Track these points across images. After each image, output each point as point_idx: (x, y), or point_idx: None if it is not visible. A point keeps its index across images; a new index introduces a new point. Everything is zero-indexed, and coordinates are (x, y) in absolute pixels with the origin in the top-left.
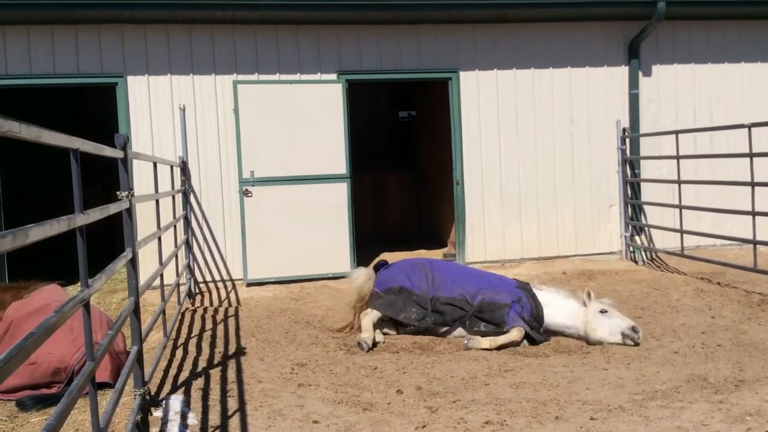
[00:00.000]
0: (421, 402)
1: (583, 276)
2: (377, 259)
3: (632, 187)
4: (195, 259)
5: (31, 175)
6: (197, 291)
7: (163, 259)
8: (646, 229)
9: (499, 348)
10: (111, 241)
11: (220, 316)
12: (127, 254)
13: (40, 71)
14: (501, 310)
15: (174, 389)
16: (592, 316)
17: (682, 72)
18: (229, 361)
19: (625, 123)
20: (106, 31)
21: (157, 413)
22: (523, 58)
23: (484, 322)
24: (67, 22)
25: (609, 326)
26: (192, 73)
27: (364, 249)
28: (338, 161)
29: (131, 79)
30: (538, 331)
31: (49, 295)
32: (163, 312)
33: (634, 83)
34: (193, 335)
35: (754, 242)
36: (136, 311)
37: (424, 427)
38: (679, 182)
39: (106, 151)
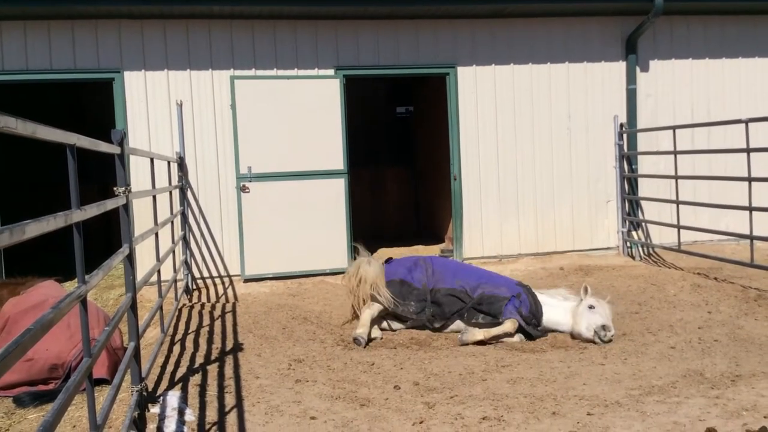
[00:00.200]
0: (418, 398)
1: (580, 271)
2: (375, 254)
3: (629, 182)
4: (192, 255)
5: (28, 171)
6: (194, 287)
7: (161, 255)
8: (644, 224)
9: (494, 339)
10: (108, 237)
11: (217, 312)
12: (124, 250)
13: (36, 66)
14: (499, 303)
15: (171, 385)
16: (581, 310)
17: (680, 67)
18: (226, 357)
19: (623, 118)
20: (102, 27)
21: (155, 409)
22: (521, 53)
23: (482, 314)
24: (64, 17)
25: (587, 322)
26: (189, 69)
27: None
28: (336, 157)
29: (128, 75)
30: (536, 328)
31: (46, 291)
32: (161, 308)
33: (631, 78)
34: (190, 331)
35: (751, 237)
36: (133, 307)
37: (421, 422)
38: (677, 178)
39: (103, 146)
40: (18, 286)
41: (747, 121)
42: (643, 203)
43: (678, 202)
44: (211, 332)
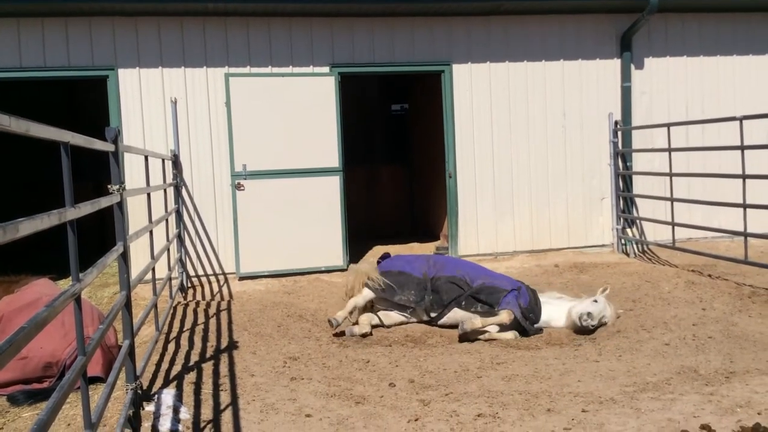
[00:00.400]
0: (413, 395)
1: (575, 269)
2: (370, 252)
3: (624, 179)
4: (187, 253)
5: (22, 170)
6: (189, 285)
7: (155, 253)
8: (638, 221)
9: (489, 327)
10: (102, 235)
11: (212, 310)
12: (119, 248)
13: (30, 64)
14: (499, 293)
15: (166, 383)
16: (579, 302)
17: (675, 65)
18: (221, 355)
19: (618, 116)
20: (96, 24)
21: (149, 407)
22: (516, 51)
23: (480, 303)
24: (58, 14)
25: (577, 309)
26: (183, 66)
27: (356, 242)
28: (331, 154)
29: (122, 72)
30: (532, 324)
31: (40, 290)
32: (155, 306)
33: (626, 76)
34: (185, 329)
35: (745, 234)
36: (127, 305)
37: (416, 420)
38: (671, 175)
39: (97, 144)
40: (12, 285)
41: (741, 119)
42: (638, 200)
43: (672, 200)
44: (206, 330)
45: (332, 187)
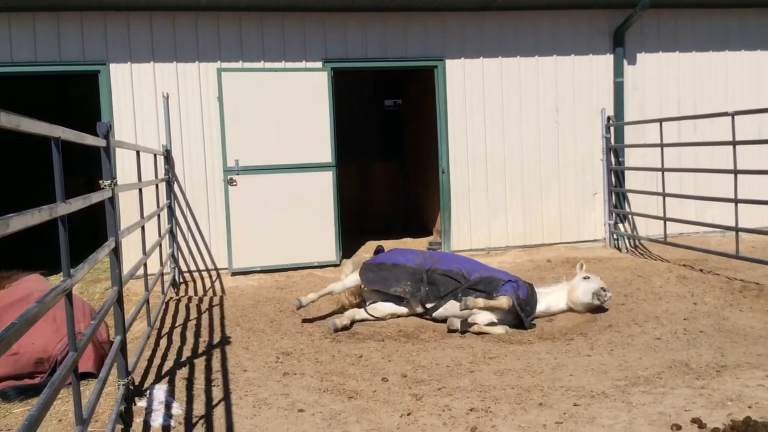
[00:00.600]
0: (406, 390)
1: (567, 263)
2: (363, 247)
3: (616, 175)
4: (179, 248)
5: (13, 165)
6: (181, 280)
7: (147, 249)
8: (630, 216)
9: (488, 309)
10: (94, 230)
11: (204, 306)
12: (110, 244)
13: (21, 59)
14: (497, 283)
15: (158, 379)
16: (576, 282)
17: (667, 60)
18: (213, 351)
19: (610, 111)
20: (88, 19)
21: (141, 403)
22: (509, 46)
23: (477, 292)
24: (49, 9)
25: (584, 288)
26: (175, 61)
27: (349, 238)
28: (324, 150)
29: (114, 67)
30: (527, 316)
31: (31, 285)
32: (147, 301)
33: (619, 71)
34: (177, 325)
35: (737, 229)
36: (119, 301)
37: (409, 414)
38: (663, 170)
39: (88, 139)
40: (3, 280)
41: (733, 114)
42: (630, 196)
43: (664, 195)
44: (198, 326)
45: (325, 183)
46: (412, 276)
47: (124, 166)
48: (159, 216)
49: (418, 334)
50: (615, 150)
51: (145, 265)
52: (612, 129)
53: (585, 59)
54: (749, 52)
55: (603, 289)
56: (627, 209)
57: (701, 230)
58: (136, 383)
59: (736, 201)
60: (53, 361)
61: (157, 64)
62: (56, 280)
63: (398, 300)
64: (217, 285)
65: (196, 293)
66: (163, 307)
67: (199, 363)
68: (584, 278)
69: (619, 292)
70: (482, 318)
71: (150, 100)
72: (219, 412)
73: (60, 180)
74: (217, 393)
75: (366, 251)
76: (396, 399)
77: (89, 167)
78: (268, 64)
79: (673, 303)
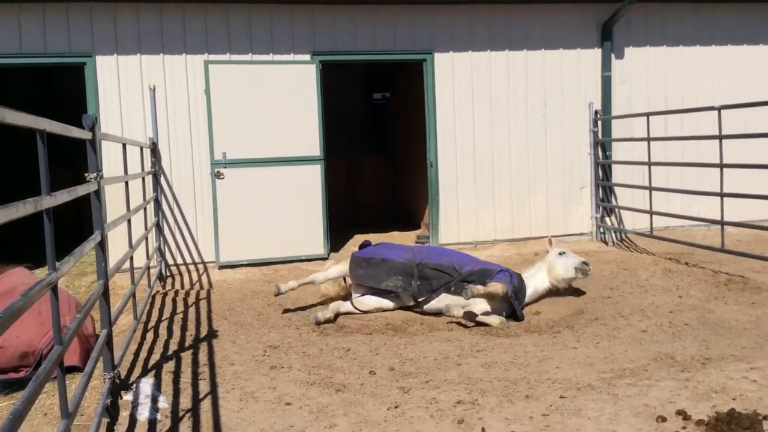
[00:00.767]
0: (393, 382)
1: None
2: (351, 241)
3: (603, 169)
4: (166, 241)
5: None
6: (168, 274)
7: (133, 242)
8: (617, 210)
9: (487, 295)
10: (80, 224)
11: (191, 299)
12: (96, 237)
13: (6, 50)
14: (490, 273)
15: (144, 372)
16: (552, 259)
17: (654, 54)
18: (200, 344)
19: (598, 105)
20: (74, 10)
21: (127, 396)
22: (498, 40)
23: (470, 284)
24: (35, 0)
25: (564, 265)
26: (162, 53)
27: (337, 231)
28: (312, 143)
29: (100, 59)
30: (521, 300)
31: (16, 279)
32: (133, 295)
33: (606, 65)
34: (163, 318)
35: (722, 223)
36: (105, 294)
37: (396, 407)
38: (650, 164)
39: (74, 132)
40: None
41: (719, 109)
42: (617, 189)
43: (651, 189)
44: (185, 319)
45: (313, 176)
46: (403, 271)
47: (110, 158)
48: (145, 209)
49: (406, 327)
50: (602, 144)
51: (132, 258)
52: (599, 123)
53: (573, 53)
54: (736, 47)
55: (584, 263)
56: (614, 203)
57: (687, 224)
58: (122, 377)
59: (722, 195)
60: (38, 354)
61: (144, 56)
62: (42, 273)
63: (385, 293)
64: (204, 278)
65: (182, 287)
66: (150, 300)
67: (186, 356)
68: (560, 254)
69: (605, 285)
70: (479, 308)
71: (136, 93)
72: (206, 406)
73: (45, 173)
74: (204, 386)
75: (354, 245)
76: (383, 392)
77: (76, 159)
78: (256, 57)
79: (659, 296)
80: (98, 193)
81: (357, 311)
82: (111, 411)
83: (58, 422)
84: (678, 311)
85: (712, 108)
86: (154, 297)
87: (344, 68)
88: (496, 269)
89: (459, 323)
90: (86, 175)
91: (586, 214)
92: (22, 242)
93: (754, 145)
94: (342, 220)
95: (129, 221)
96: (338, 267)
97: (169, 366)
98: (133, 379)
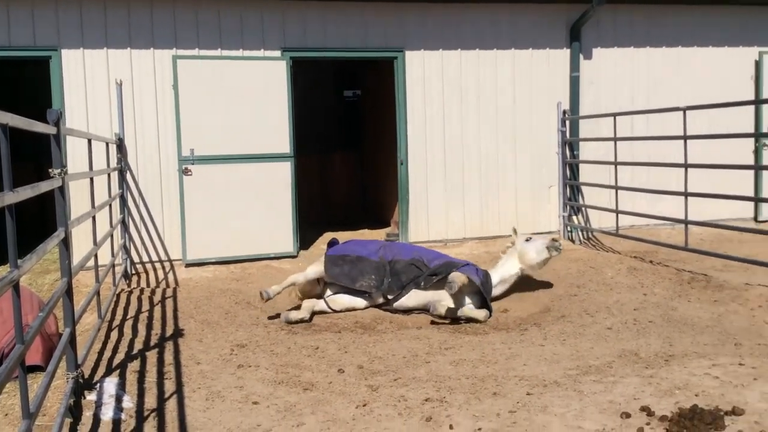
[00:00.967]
0: (362, 381)
1: None
2: (321, 239)
3: (571, 168)
4: (131, 239)
5: None
6: (134, 272)
7: (98, 239)
8: (584, 209)
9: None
10: (43, 220)
11: (157, 298)
12: (60, 234)
13: None
14: (455, 266)
15: (108, 372)
16: (521, 246)
17: (622, 55)
18: (166, 343)
19: (566, 105)
20: (39, 3)
21: (91, 396)
22: (468, 39)
23: (438, 276)
24: None
25: (535, 248)
26: (130, 48)
27: (307, 229)
28: (282, 140)
29: (66, 53)
30: (488, 293)
31: None
32: (98, 293)
33: (575, 66)
34: (128, 317)
35: (686, 222)
36: (68, 292)
37: (364, 405)
38: (616, 164)
39: (38, 126)
40: None
41: (684, 109)
42: (584, 188)
43: (617, 188)
44: (150, 318)
45: (283, 173)
46: (376, 269)
47: (75, 154)
48: (111, 206)
49: (375, 325)
50: (570, 143)
51: (96, 256)
52: (567, 123)
53: (542, 53)
54: (701, 49)
55: (554, 239)
56: (581, 202)
57: (652, 223)
58: (86, 376)
59: (686, 194)
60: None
61: (111, 50)
62: (3, 271)
63: (359, 292)
64: (170, 276)
65: (148, 285)
66: (115, 299)
67: (151, 356)
68: (527, 240)
69: (572, 283)
70: (449, 303)
71: (103, 88)
72: (171, 405)
73: (7, 168)
74: (170, 386)
75: (324, 242)
76: (352, 390)
77: (40, 154)
78: (226, 52)
79: (624, 294)
80: (62, 189)
81: (330, 310)
82: (74, 411)
83: (19, 422)
84: (642, 309)
85: (677, 109)
86: (119, 295)
87: (315, 65)
88: (462, 263)
89: (433, 322)
90: (50, 170)
91: (554, 212)
92: None
93: (718, 145)
94: (312, 218)
95: (94, 218)
96: (315, 267)
97: (134, 365)
98: (97, 378)
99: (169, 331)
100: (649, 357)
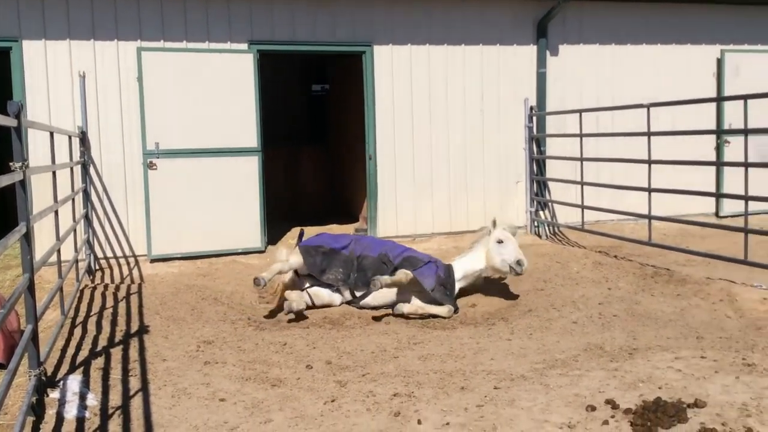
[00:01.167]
0: (330, 376)
1: None
2: (289, 234)
3: (538, 163)
4: (95, 234)
5: None
6: (97, 267)
7: (61, 234)
8: (550, 204)
9: (393, 284)
10: (4, 215)
11: (122, 294)
12: (21, 229)
13: None
14: (417, 263)
15: (72, 369)
16: (492, 246)
17: (587, 52)
18: (131, 340)
19: (533, 101)
20: None
21: (54, 394)
22: (436, 34)
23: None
24: None
25: (501, 257)
26: (93, 39)
27: (275, 224)
28: (249, 134)
29: (27, 44)
30: (448, 292)
31: None
32: (61, 289)
33: (542, 62)
34: (92, 313)
35: (650, 217)
36: (30, 288)
37: (333, 401)
38: (581, 160)
39: None
40: None
41: (648, 106)
42: (551, 184)
43: (582, 183)
44: (115, 314)
45: (250, 168)
46: (345, 263)
47: (36, 147)
48: (74, 200)
49: (344, 320)
50: (537, 139)
51: (59, 251)
52: (534, 119)
53: (510, 49)
54: (665, 46)
55: (519, 262)
56: (547, 197)
57: (616, 218)
58: (49, 374)
59: (650, 190)
60: None
61: (74, 41)
62: None
63: (330, 286)
64: (135, 272)
65: (113, 281)
66: (78, 295)
67: (116, 353)
68: (498, 242)
69: (538, 277)
70: (418, 302)
71: (65, 79)
72: (136, 403)
73: None
74: (135, 383)
75: (292, 237)
76: (320, 386)
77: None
78: (191, 45)
79: (589, 288)
80: (24, 183)
81: (314, 305)
82: (37, 409)
83: None
84: (607, 303)
85: (641, 105)
86: (82, 291)
87: (283, 59)
88: (424, 260)
89: (401, 315)
90: (11, 164)
91: (521, 207)
92: None
93: (681, 142)
94: (280, 213)
95: (56, 212)
96: (295, 258)
97: (98, 362)
98: (60, 376)
99: (134, 327)
100: (613, 350)
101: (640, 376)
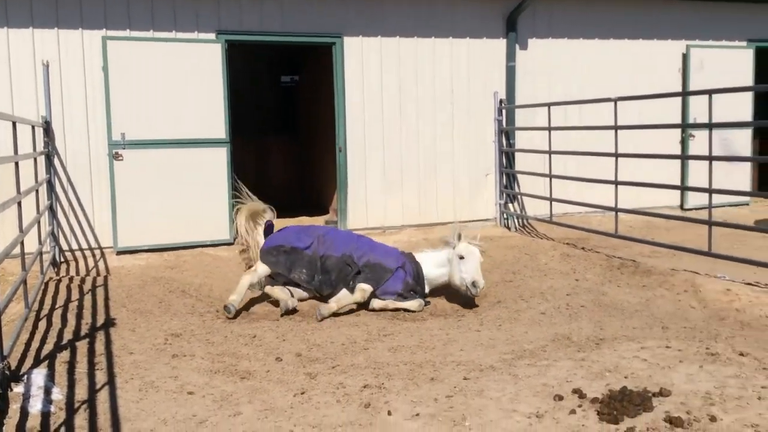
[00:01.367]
0: (300, 368)
1: None
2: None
3: (507, 156)
4: (59, 225)
5: None
6: (62, 260)
7: (24, 226)
8: (519, 197)
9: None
10: None
11: (87, 286)
12: None
13: None
14: (384, 273)
15: (37, 363)
16: (455, 261)
17: (556, 46)
18: (97, 333)
19: (503, 94)
20: None
21: (18, 389)
22: (407, 26)
23: (365, 277)
24: None
25: (460, 276)
26: (57, 27)
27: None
28: (217, 125)
29: None
30: (420, 292)
31: None
32: (25, 282)
33: (511, 56)
34: (57, 306)
35: (616, 210)
36: None
37: (303, 393)
38: (550, 152)
39: None
40: None
41: (615, 100)
42: (519, 177)
43: (551, 176)
44: (80, 307)
45: (218, 159)
46: (309, 264)
47: None
48: (37, 192)
49: (314, 313)
50: (506, 132)
51: (23, 243)
52: (504, 112)
53: (479, 42)
54: (632, 41)
55: (474, 284)
56: (517, 190)
57: (584, 210)
58: (13, 368)
59: (616, 183)
60: None
61: (37, 30)
62: None
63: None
64: (101, 264)
65: (78, 273)
66: (43, 287)
67: (82, 346)
68: (461, 258)
69: (507, 269)
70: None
71: (28, 69)
72: (103, 397)
73: None
74: (101, 377)
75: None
76: (290, 378)
77: None
78: (158, 34)
79: (557, 279)
80: None
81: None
82: (0, 404)
83: None
84: (575, 294)
85: (609, 99)
86: (47, 284)
87: (252, 50)
88: (392, 267)
89: (372, 311)
90: None
91: (490, 200)
92: None
93: (647, 135)
94: None
95: (19, 204)
96: (261, 267)
97: (64, 356)
98: (24, 370)
99: (100, 320)
100: (580, 341)
101: (606, 365)
